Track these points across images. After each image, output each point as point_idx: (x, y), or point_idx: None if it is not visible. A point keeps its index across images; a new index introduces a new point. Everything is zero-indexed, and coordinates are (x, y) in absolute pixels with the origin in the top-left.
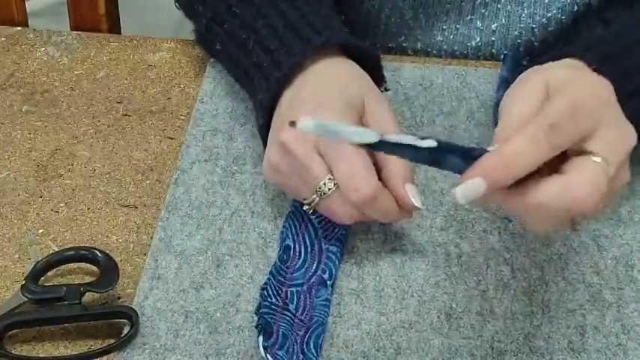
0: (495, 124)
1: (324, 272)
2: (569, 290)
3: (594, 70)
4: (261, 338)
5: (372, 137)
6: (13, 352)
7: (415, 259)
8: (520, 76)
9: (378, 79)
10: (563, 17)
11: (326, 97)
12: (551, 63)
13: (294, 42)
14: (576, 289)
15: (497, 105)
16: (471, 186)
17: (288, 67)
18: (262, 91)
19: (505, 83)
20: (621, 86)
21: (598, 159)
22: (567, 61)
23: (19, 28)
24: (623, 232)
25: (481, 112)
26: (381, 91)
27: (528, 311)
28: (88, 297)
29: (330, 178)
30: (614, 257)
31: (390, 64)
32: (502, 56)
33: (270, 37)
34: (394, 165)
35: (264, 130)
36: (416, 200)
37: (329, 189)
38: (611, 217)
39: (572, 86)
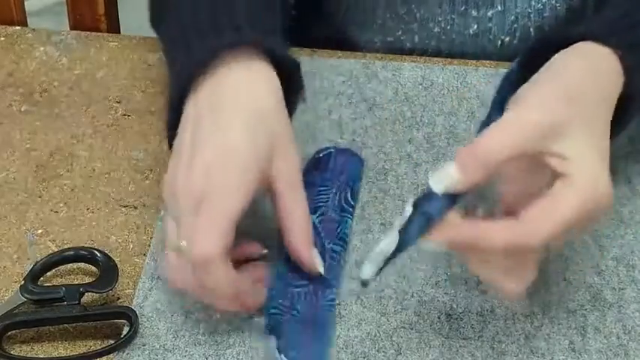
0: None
1: (328, 273)
2: (570, 290)
3: (620, 58)
4: (273, 339)
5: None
6: (12, 352)
7: (415, 260)
8: (537, 78)
9: (296, 86)
10: (558, 4)
11: (230, 153)
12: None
13: (210, 35)
14: (577, 290)
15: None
16: (443, 171)
17: (198, 63)
18: (171, 85)
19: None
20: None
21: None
22: (585, 50)
23: (18, 28)
24: (624, 232)
25: (481, 111)
26: (300, 100)
27: (529, 312)
28: (88, 297)
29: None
30: (615, 257)
31: (390, 64)
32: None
33: (190, 27)
34: (297, 228)
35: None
36: (319, 265)
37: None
38: (613, 218)
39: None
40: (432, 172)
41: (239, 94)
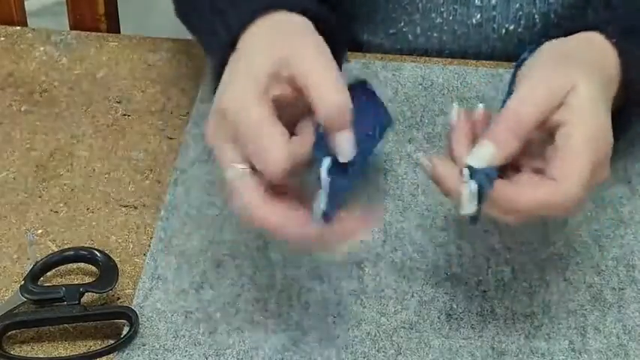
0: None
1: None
2: (570, 290)
3: (614, 45)
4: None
5: None
6: (12, 352)
7: (415, 260)
8: (547, 49)
9: (340, 42)
10: None
11: (230, 85)
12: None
13: (244, 2)
14: (577, 290)
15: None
16: (480, 149)
17: (236, 28)
18: (214, 54)
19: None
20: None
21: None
22: (585, 38)
23: (18, 28)
24: (624, 232)
25: None
26: (343, 61)
27: (529, 311)
28: (88, 297)
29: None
30: (615, 257)
31: (390, 64)
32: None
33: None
34: (328, 101)
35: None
36: (346, 148)
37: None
38: (612, 218)
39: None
40: (469, 153)
41: (256, 41)
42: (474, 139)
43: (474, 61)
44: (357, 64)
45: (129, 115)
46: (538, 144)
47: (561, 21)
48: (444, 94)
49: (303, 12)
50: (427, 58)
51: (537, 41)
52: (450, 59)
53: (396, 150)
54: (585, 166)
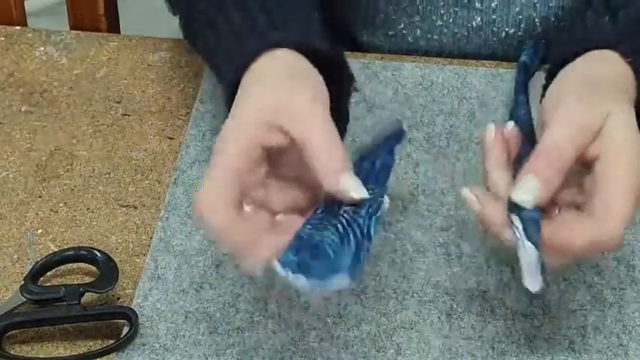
0: (517, 121)
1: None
2: (570, 290)
3: (629, 63)
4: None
5: None
6: (12, 352)
7: (415, 260)
8: (571, 77)
9: (345, 79)
10: None
11: (232, 121)
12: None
13: (249, 38)
14: (577, 290)
15: (518, 107)
16: (525, 184)
17: (240, 66)
18: (223, 92)
19: (523, 87)
20: None
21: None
22: (604, 58)
23: (17, 28)
24: (625, 232)
25: (481, 112)
26: (351, 90)
27: (529, 312)
28: (88, 297)
29: None
30: (615, 257)
31: (390, 64)
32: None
33: (228, 35)
34: (322, 157)
35: None
36: (356, 191)
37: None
38: None
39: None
40: (512, 189)
41: (256, 83)
42: (509, 163)
43: (474, 61)
44: (357, 64)
45: (129, 115)
46: (570, 176)
47: (561, 24)
48: (444, 94)
49: (310, 50)
50: (427, 58)
51: (535, 41)
52: (450, 59)
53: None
54: (629, 202)
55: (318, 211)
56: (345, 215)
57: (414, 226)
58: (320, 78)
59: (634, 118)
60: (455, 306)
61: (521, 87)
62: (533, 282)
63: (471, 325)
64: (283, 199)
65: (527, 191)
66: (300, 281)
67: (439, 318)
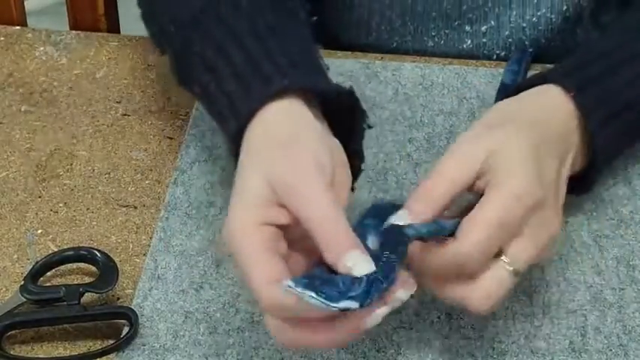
0: None
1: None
2: (570, 290)
3: (572, 97)
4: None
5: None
6: (11, 352)
7: None
8: (491, 110)
9: (357, 117)
10: (553, 16)
11: (244, 189)
12: (507, 122)
13: (254, 83)
14: (577, 290)
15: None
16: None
17: (246, 115)
18: (227, 138)
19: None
20: (596, 111)
21: (509, 268)
22: (541, 92)
23: (17, 28)
24: (625, 232)
25: (481, 112)
26: (364, 128)
27: (529, 312)
28: (87, 297)
29: None
30: (615, 257)
31: (390, 64)
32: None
33: (230, 79)
34: (325, 236)
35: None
36: (362, 266)
37: None
38: (613, 218)
39: (510, 178)
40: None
41: (266, 139)
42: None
43: (473, 61)
44: (357, 64)
45: (129, 115)
46: None
47: (552, 44)
48: (444, 94)
49: (317, 93)
50: (427, 58)
51: (519, 54)
52: (449, 59)
53: (396, 150)
54: (486, 224)
55: None
56: None
57: None
58: (326, 131)
59: (538, 148)
60: (455, 306)
61: None
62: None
63: (470, 325)
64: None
65: (397, 219)
66: (308, 297)
67: (439, 318)
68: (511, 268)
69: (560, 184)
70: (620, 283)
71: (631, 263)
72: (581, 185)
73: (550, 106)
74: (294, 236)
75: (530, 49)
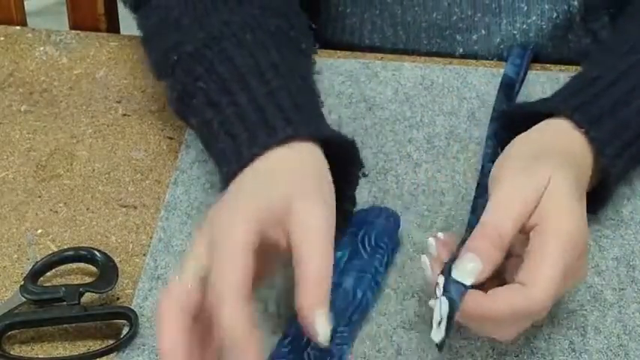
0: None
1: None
2: (570, 291)
3: (584, 133)
4: None
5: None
6: (11, 352)
7: (415, 259)
8: (510, 150)
9: (355, 165)
10: (543, 23)
11: (225, 228)
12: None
13: (259, 130)
14: (577, 290)
15: (495, 109)
16: (466, 264)
17: (248, 159)
18: (223, 176)
19: (507, 85)
20: (610, 145)
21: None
22: (554, 124)
23: (17, 28)
24: (625, 232)
25: (481, 111)
26: (359, 176)
27: None
28: (87, 297)
29: None
30: (615, 258)
31: (390, 64)
32: (507, 53)
33: (234, 119)
34: (309, 282)
35: None
36: (323, 338)
37: None
38: (613, 218)
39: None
40: (454, 266)
41: (262, 175)
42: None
43: (473, 61)
44: (357, 64)
45: (129, 115)
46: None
47: (543, 50)
48: (444, 94)
49: (321, 140)
50: (427, 58)
51: (522, 49)
52: (449, 59)
53: (396, 150)
54: (557, 272)
55: (286, 341)
56: (311, 353)
57: (414, 226)
58: (329, 177)
59: (578, 188)
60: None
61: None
62: (437, 334)
63: None
64: None
65: (468, 272)
66: None
67: None
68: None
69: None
70: (620, 283)
71: (631, 263)
72: (591, 204)
73: (569, 143)
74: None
75: (532, 46)
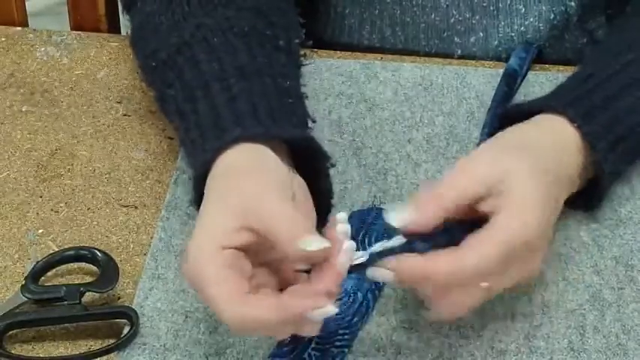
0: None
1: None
2: (569, 290)
3: (577, 128)
4: None
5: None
6: (12, 352)
7: None
8: (497, 136)
9: (320, 159)
10: (541, 25)
11: (202, 220)
12: (522, 144)
13: (209, 135)
14: (576, 289)
15: (493, 106)
16: (400, 207)
17: (201, 165)
18: (190, 186)
19: (507, 79)
20: (602, 139)
21: (483, 285)
22: (546, 120)
23: (19, 29)
24: (623, 232)
25: (481, 112)
26: (328, 167)
27: (528, 311)
28: (88, 297)
29: None
30: (614, 257)
31: (390, 64)
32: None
33: (193, 128)
34: (285, 232)
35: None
36: (317, 242)
37: None
38: (611, 218)
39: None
40: (388, 209)
41: (222, 175)
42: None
43: (473, 61)
44: (357, 64)
45: (129, 116)
46: None
47: (541, 51)
48: (443, 94)
49: (275, 138)
50: (427, 58)
51: (525, 46)
52: (449, 59)
53: (395, 150)
54: (495, 250)
55: (286, 341)
56: (312, 354)
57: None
58: (284, 169)
59: (549, 184)
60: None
61: (498, 101)
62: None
63: (470, 324)
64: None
65: (398, 215)
66: None
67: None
68: (485, 285)
69: (552, 227)
70: (619, 283)
71: (630, 263)
72: (587, 202)
73: (559, 139)
74: (259, 255)
75: (535, 45)
